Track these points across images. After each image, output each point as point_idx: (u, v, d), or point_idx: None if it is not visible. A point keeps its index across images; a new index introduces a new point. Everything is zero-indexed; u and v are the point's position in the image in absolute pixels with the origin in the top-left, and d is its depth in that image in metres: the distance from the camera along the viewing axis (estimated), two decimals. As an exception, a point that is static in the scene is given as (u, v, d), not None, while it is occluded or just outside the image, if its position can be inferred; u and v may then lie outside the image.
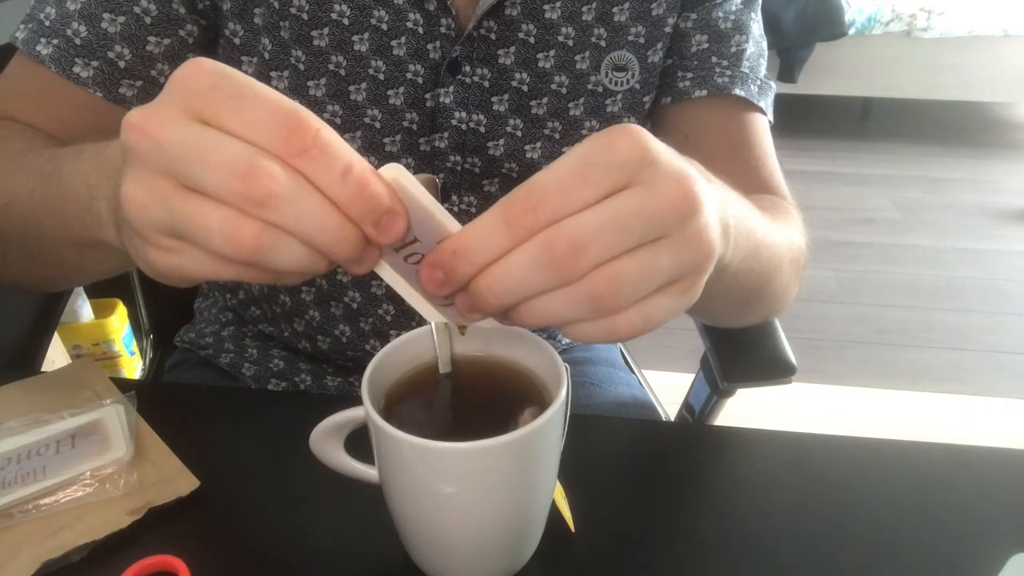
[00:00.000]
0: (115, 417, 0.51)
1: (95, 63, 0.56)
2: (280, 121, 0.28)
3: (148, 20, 0.56)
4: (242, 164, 0.28)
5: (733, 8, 0.64)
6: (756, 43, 0.65)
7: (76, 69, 0.56)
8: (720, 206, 0.36)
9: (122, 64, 0.57)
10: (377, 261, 0.32)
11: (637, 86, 0.64)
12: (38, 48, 0.56)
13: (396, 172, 0.30)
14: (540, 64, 0.61)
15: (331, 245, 0.29)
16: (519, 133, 0.62)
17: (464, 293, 0.31)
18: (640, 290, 0.30)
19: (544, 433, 0.36)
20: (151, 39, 0.57)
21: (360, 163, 0.29)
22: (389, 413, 0.39)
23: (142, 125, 0.29)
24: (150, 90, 0.59)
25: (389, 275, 0.33)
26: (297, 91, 0.58)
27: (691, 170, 0.31)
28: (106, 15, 0.55)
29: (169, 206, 0.29)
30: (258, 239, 0.29)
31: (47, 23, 0.56)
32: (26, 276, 0.56)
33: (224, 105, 0.28)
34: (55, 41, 0.56)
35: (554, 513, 0.44)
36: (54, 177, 0.44)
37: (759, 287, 0.52)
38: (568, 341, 0.80)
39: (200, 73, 0.29)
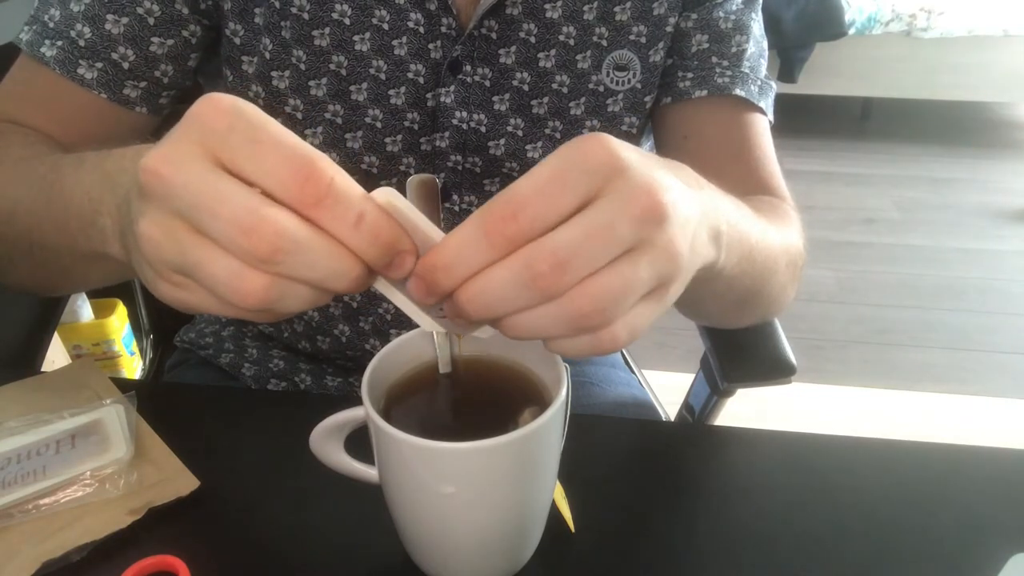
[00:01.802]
0: (115, 417, 0.51)
1: (99, 64, 0.56)
2: (295, 170, 0.28)
3: (151, 21, 0.56)
4: (248, 220, 0.28)
5: (734, 8, 0.64)
6: (757, 43, 0.65)
7: (80, 71, 0.56)
8: (711, 212, 0.36)
9: (126, 65, 0.57)
10: (375, 279, 0.32)
11: (638, 86, 0.64)
12: (42, 50, 0.56)
13: (389, 196, 0.30)
14: (541, 63, 0.61)
15: (340, 285, 0.30)
16: (520, 132, 0.62)
17: (451, 301, 0.31)
18: (623, 305, 0.30)
19: (544, 433, 0.36)
20: (154, 40, 0.57)
21: (373, 209, 0.29)
22: (389, 413, 0.39)
23: (157, 168, 0.29)
24: (153, 91, 0.59)
25: (386, 288, 0.34)
26: (298, 91, 0.58)
27: (663, 177, 0.31)
28: (110, 16, 0.55)
29: (181, 248, 0.29)
30: (265, 291, 0.29)
31: (51, 24, 0.56)
32: (32, 281, 0.56)
33: (240, 149, 0.28)
34: (59, 43, 0.56)
35: (554, 513, 0.44)
36: (56, 188, 0.44)
37: (754, 290, 0.52)
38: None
39: (217, 112, 0.29)
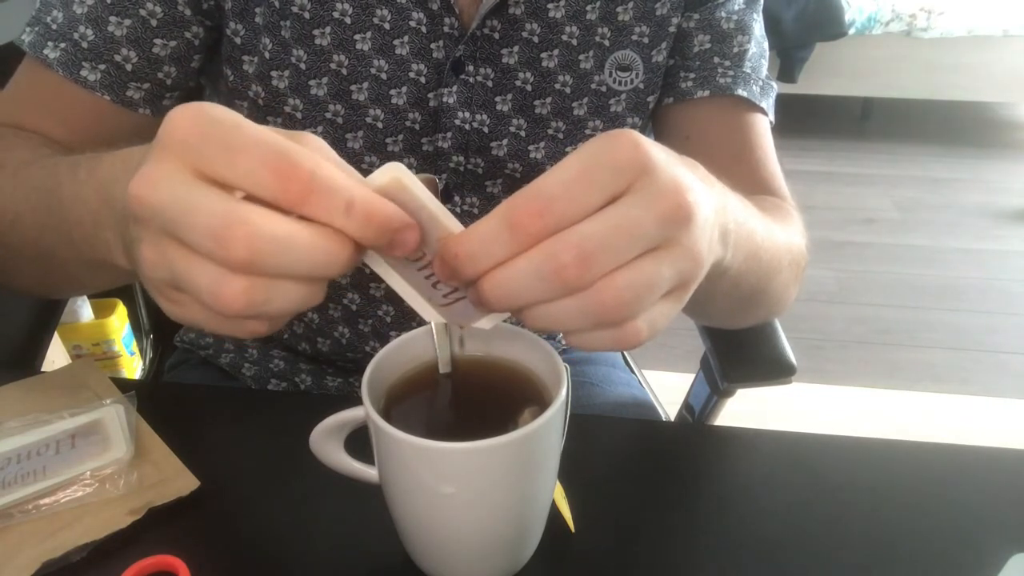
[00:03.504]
0: (115, 417, 0.51)
1: (102, 66, 0.56)
2: (273, 169, 0.28)
3: (154, 22, 0.56)
4: (220, 225, 0.27)
5: (735, 8, 0.64)
6: (758, 43, 0.65)
7: (83, 72, 0.56)
8: (720, 210, 0.37)
9: (129, 67, 0.57)
10: (365, 252, 0.32)
11: (641, 86, 0.64)
12: (45, 51, 0.56)
13: (396, 171, 0.30)
14: (544, 63, 0.61)
15: (330, 272, 0.29)
16: (523, 133, 0.62)
17: (473, 288, 0.31)
18: (646, 301, 0.31)
19: (544, 433, 0.36)
20: (157, 41, 0.57)
21: (361, 192, 0.29)
22: (389, 413, 0.39)
23: (140, 193, 0.29)
24: (157, 92, 0.59)
25: (389, 276, 0.33)
26: (298, 90, 0.58)
27: (687, 177, 0.31)
28: (112, 18, 0.55)
29: (169, 264, 0.30)
30: (247, 295, 0.29)
31: (54, 27, 0.56)
32: (39, 287, 0.56)
33: (216, 157, 0.28)
34: (62, 45, 0.56)
35: (554, 513, 0.44)
36: (55, 197, 0.44)
37: (758, 289, 0.53)
38: (568, 341, 0.80)
39: (188, 123, 0.29)
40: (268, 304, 0.29)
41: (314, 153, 0.29)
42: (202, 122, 0.28)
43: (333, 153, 0.31)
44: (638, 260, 0.30)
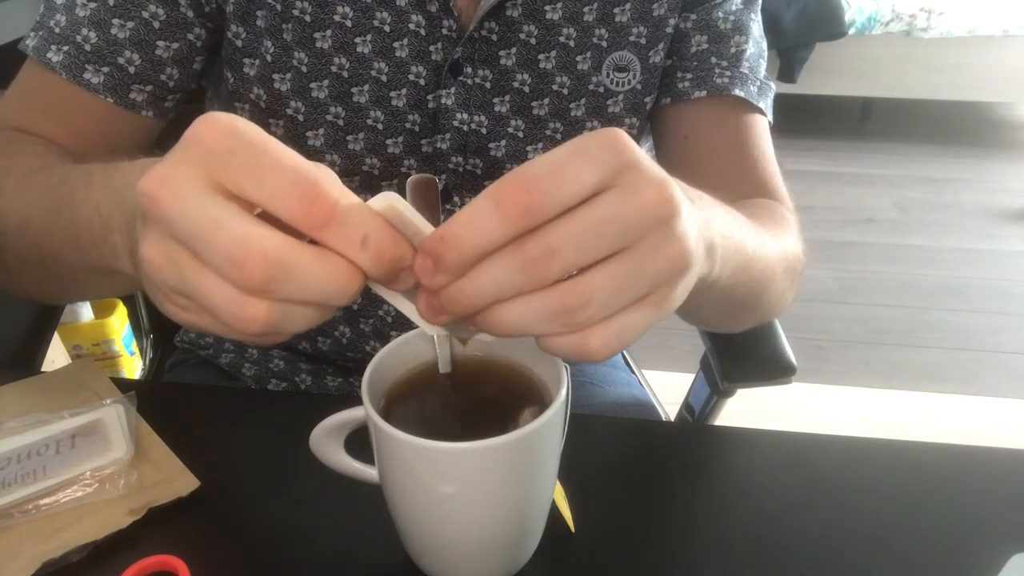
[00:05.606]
0: (115, 417, 0.51)
1: (105, 69, 0.56)
2: (299, 194, 0.28)
3: (156, 25, 0.56)
4: (239, 251, 0.27)
5: (733, 8, 0.64)
6: (756, 44, 0.65)
7: (87, 75, 0.56)
8: (705, 224, 0.36)
9: (132, 69, 0.57)
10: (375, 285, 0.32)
11: (638, 87, 0.64)
12: (49, 55, 0.56)
13: (390, 199, 0.30)
14: (541, 65, 0.61)
15: (340, 301, 0.30)
16: (520, 134, 0.62)
17: (430, 294, 0.30)
18: (611, 304, 0.30)
19: (544, 433, 0.36)
20: (160, 44, 0.57)
21: (377, 226, 0.29)
22: (389, 413, 0.39)
23: (155, 192, 0.28)
24: (159, 94, 0.59)
25: (392, 296, 0.34)
26: (300, 93, 0.59)
27: (670, 179, 0.31)
28: (115, 21, 0.56)
29: (181, 274, 0.29)
30: (267, 316, 0.29)
31: (57, 30, 0.56)
32: (42, 292, 0.56)
33: (242, 173, 0.28)
34: (65, 48, 0.56)
35: (554, 513, 0.44)
36: (66, 202, 0.44)
37: (751, 298, 0.52)
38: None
39: (217, 134, 0.28)
40: (284, 324, 0.30)
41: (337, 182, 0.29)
42: (231, 135, 0.28)
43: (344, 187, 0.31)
44: (608, 261, 0.29)
